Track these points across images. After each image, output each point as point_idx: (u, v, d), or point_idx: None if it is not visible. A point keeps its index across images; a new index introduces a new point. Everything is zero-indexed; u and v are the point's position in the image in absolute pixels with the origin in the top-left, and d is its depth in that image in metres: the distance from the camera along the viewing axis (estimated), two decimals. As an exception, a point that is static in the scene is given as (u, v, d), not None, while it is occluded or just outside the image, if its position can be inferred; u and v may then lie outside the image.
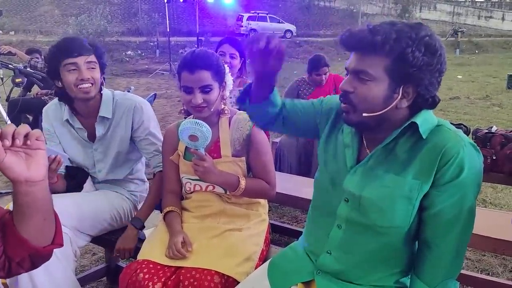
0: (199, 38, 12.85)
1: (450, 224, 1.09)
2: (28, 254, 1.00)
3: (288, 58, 19.13)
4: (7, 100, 4.02)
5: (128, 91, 4.70)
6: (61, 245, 1.08)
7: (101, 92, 1.87)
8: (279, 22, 25.36)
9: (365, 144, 1.20)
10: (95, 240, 1.93)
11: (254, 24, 24.01)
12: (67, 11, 26.11)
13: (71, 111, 1.87)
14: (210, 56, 1.60)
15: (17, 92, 4.93)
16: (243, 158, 1.67)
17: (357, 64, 1.09)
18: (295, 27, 25.92)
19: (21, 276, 1.58)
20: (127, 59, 17.99)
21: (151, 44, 19.70)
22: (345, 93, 1.12)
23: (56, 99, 1.91)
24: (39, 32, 22.91)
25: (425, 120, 1.11)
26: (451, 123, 2.59)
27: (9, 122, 3.81)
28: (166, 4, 12.71)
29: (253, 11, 24.73)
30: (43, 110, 1.95)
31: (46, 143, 1.06)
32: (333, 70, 3.97)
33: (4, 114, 3.82)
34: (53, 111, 1.92)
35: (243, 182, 1.61)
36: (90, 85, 1.74)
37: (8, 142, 0.88)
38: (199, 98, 1.57)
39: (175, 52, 16.88)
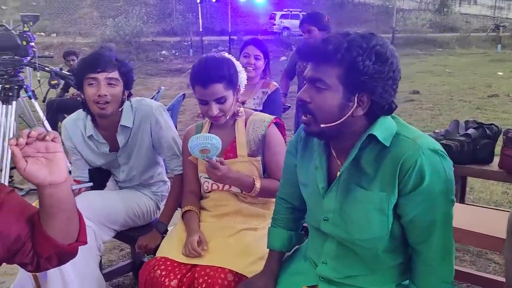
0: (231, 37, 12.95)
1: (427, 231, 1.10)
2: (54, 252, 1.06)
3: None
4: (43, 101, 4.21)
5: (159, 92, 4.83)
6: (85, 242, 1.14)
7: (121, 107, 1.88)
8: (312, 20, 25.16)
9: (335, 155, 1.22)
10: (119, 235, 2.00)
11: (287, 22, 23.96)
12: (105, 13, 26.90)
13: (94, 124, 1.91)
14: (220, 66, 1.60)
15: (53, 93, 5.15)
16: (259, 158, 1.69)
17: (312, 73, 1.12)
18: (328, 25, 25.64)
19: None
20: (162, 58, 18.37)
21: (185, 43, 20.03)
22: (303, 103, 1.15)
23: (73, 115, 1.97)
24: (78, 34, 23.73)
25: (384, 128, 1.12)
26: (477, 122, 2.50)
27: (46, 122, 3.99)
28: (199, 4, 12.88)
29: (286, 9, 24.68)
30: (62, 125, 2.02)
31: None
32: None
33: (41, 114, 4.00)
34: (72, 127, 1.95)
35: (258, 184, 1.64)
36: (106, 102, 1.77)
37: (22, 140, 0.93)
38: (215, 109, 1.61)
39: (208, 51, 17.11)
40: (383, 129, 1.12)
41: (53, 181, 0.97)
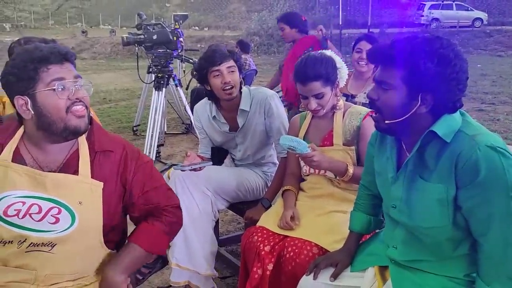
0: (370, 30, 12.68)
1: (486, 223, 1.13)
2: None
3: (473, 50, 17.31)
4: (186, 88, 4.84)
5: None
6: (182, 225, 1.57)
7: (240, 90, 2.21)
8: (467, 10, 22.96)
9: (405, 148, 1.31)
10: (231, 207, 2.33)
11: (437, 13, 22.30)
12: (252, 7, 28.46)
13: (217, 107, 2.26)
14: (319, 64, 1.77)
15: (195, 82, 5.84)
16: (353, 148, 1.83)
17: (379, 75, 1.23)
18: (486, 15, 23.11)
19: None
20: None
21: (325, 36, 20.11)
22: (371, 101, 1.26)
23: (203, 100, 2.35)
24: (227, 28, 25.61)
25: (446, 125, 1.18)
26: None
27: (187, 106, 4.60)
28: (340, -3, 12.91)
29: (437, -1, 22.99)
30: (194, 109, 2.42)
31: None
32: None
33: (184, 100, 4.63)
34: (201, 111, 2.35)
35: (351, 169, 1.78)
36: (231, 87, 2.09)
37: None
38: (313, 103, 1.80)
39: (346, 45, 16.95)
40: (446, 126, 1.18)
41: None
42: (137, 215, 1.46)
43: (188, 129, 5.57)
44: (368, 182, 1.55)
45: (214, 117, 2.29)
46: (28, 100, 1.24)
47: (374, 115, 1.30)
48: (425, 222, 1.23)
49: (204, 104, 2.35)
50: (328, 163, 1.78)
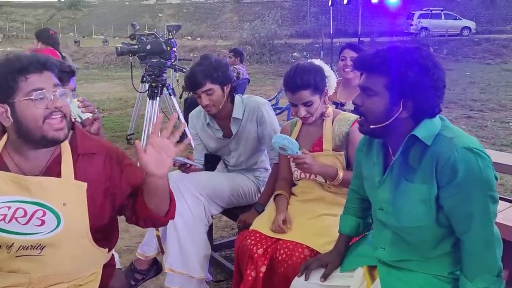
0: (360, 39, 12.87)
1: (466, 221, 1.21)
2: (148, 217, 1.43)
3: (462, 58, 17.58)
4: (180, 97, 4.91)
5: (280, 92, 5.18)
6: (173, 218, 1.48)
7: (233, 98, 2.27)
8: (455, 19, 23.36)
9: (391, 152, 1.38)
10: (225, 212, 2.37)
11: (425, 22, 22.65)
12: (244, 17, 28.68)
13: (210, 116, 2.32)
14: (308, 73, 1.84)
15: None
16: (342, 153, 1.90)
17: (363, 82, 1.30)
18: (474, 24, 23.53)
19: (169, 230, 2.11)
20: (293, 60, 18.96)
21: (316, 45, 20.31)
22: (356, 106, 1.34)
23: (198, 108, 2.40)
24: (219, 37, 25.75)
25: (426, 128, 1.25)
26: None
27: (181, 115, 4.65)
28: (331, 7, 13.09)
29: (425, 8, 23.33)
30: (189, 116, 2.49)
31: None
32: None
33: (178, 108, 4.69)
34: (195, 118, 2.43)
35: (341, 174, 1.84)
36: (211, 107, 2.18)
37: (166, 134, 1.26)
38: (302, 111, 1.87)
39: (338, 53, 17.14)
40: (426, 129, 1.26)
41: (156, 174, 1.29)
42: (130, 216, 1.48)
43: (182, 137, 5.60)
44: (357, 186, 1.62)
45: (208, 124, 2.35)
46: (8, 108, 1.28)
47: (359, 119, 1.37)
48: (411, 222, 1.30)
49: (198, 112, 2.41)
50: (319, 167, 1.84)
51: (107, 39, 24.94)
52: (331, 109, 1.98)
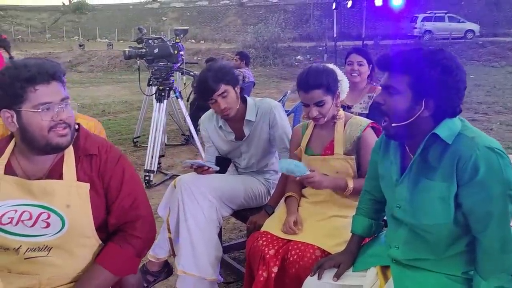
0: (364, 42, 12.90)
1: (485, 220, 1.23)
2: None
3: (467, 60, 17.56)
4: (187, 100, 4.94)
5: (285, 95, 5.22)
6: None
7: (244, 100, 2.30)
8: (459, 22, 23.35)
9: (408, 151, 1.40)
10: (235, 214, 2.40)
11: (429, 25, 22.65)
12: (247, 20, 28.74)
13: (223, 118, 2.34)
14: (321, 74, 1.87)
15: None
16: (353, 157, 1.92)
17: (386, 81, 1.33)
18: (478, 27, 23.49)
19: (181, 232, 2.13)
20: (296, 63, 19.00)
21: (320, 49, 20.35)
22: (378, 105, 1.36)
23: (210, 110, 2.42)
24: (223, 41, 25.82)
25: (447, 128, 1.28)
26: None
27: (188, 118, 4.68)
28: (335, 10, 13.13)
29: (429, 11, 23.33)
30: (200, 119, 2.52)
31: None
32: None
33: (185, 111, 4.71)
34: (208, 120, 2.45)
35: (350, 184, 1.87)
36: (229, 110, 2.20)
37: None
38: (314, 111, 1.89)
39: (342, 56, 17.15)
40: (447, 129, 1.28)
41: None
42: (113, 222, 1.47)
43: (188, 140, 5.65)
44: (371, 187, 1.64)
45: (220, 127, 2.37)
46: (14, 114, 1.31)
47: (383, 123, 1.39)
48: (428, 220, 1.32)
49: (210, 114, 2.44)
50: (329, 181, 1.86)
51: (112, 43, 25.05)
52: (342, 112, 2.00)
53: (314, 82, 1.86)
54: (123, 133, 6.62)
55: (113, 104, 9.59)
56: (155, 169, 4.30)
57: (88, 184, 1.39)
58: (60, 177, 1.38)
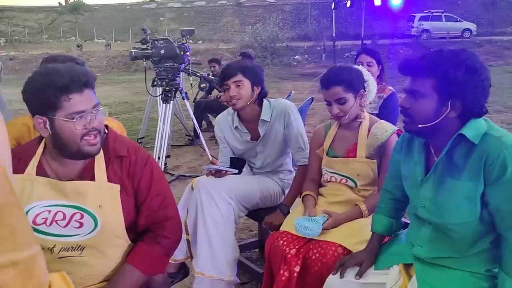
0: (363, 42, 12.93)
1: (511, 218, 1.25)
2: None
3: (464, 60, 17.61)
4: (193, 101, 4.94)
5: (289, 95, 5.25)
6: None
7: (261, 103, 2.32)
8: (456, 21, 23.46)
9: (433, 152, 1.43)
10: (250, 214, 2.41)
11: (426, 25, 22.76)
12: (245, 20, 28.73)
13: (239, 118, 2.37)
14: (342, 72, 1.89)
15: (200, 94, 5.97)
16: (375, 161, 1.94)
17: (410, 85, 1.35)
18: (475, 26, 23.64)
19: (199, 234, 2.15)
20: (295, 63, 19.04)
21: (318, 48, 20.40)
22: (404, 109, 1.38)
23: (225, 111, 2.46)
24: (221, 41, 25.81)
25: (474, 128, 1.30)
26: None
27: (194, 119, 4.69)
28: (333, 10, 13.16)
29: (426, 11, 23.43)
30: (216, 120, 2.53)
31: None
32: None
33: (191, 112, 4.72)
34: (223, 121, 2.47)
35: (363, 207, 1.89)
36: (237, 100, 2.20)
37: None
38: (335, 108, 1.91)
39: (340, 56, 17.21)
40: (473, 129, 1.31)
41: None
42: (143, 222, 1.51)
43: (192, 140, 5.66)
44: (392, 186, 1.66)
45: (236, 127, 2.39)
46: (47, 120, 1.32)
47: (405, 118, 1.40)
48: (454, 219, 1.34)
49: (226, 115, 2.46)
50: (343, 218, 1.87)
51: (109, 43, 25.01)
52: (367, 114, 2.01)
53: (334, 78, 1.88)
54: (127, 134, 6.58)
55: (114, 105, 9.58)
56: (162, 170, 4.30)
57: (119, 185, 1.42)
58: (91, 178, 1.41)
